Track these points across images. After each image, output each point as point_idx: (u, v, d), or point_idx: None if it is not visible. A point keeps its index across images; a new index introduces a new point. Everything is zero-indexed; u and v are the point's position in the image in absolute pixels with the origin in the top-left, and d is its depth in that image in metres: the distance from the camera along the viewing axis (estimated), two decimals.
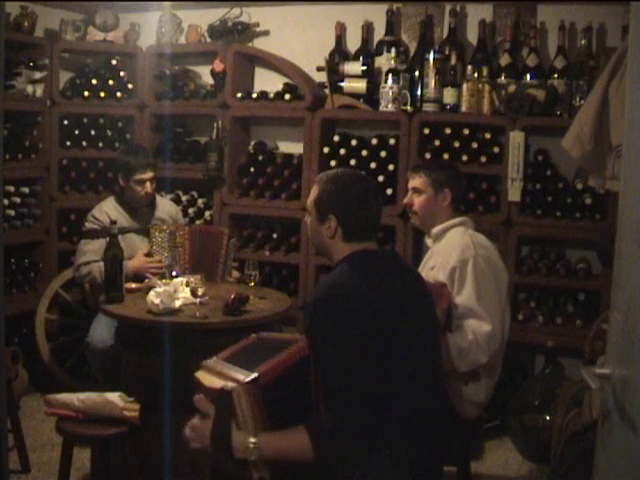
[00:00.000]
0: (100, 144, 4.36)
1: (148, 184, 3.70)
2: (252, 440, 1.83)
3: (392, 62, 3.91)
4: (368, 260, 2.06)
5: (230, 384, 1.84)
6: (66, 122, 4.35)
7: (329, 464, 1.86)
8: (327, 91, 4.10)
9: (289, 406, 1.94)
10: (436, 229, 2.89)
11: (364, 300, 1.91)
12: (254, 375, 1.84)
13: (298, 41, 4.32)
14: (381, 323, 1.90)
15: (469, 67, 3.81)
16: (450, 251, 2.77)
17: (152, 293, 2.99)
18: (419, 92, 3.96)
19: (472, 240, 2.78)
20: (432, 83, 3.86)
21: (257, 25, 4.36)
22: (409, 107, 3.91)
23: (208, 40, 4.38)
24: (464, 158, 3.79)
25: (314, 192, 2.14)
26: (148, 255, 3.63)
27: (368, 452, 1.86)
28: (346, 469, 1.88)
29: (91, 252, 3.61)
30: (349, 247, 2.08)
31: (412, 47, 4.12)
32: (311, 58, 4.20)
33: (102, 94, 4.33)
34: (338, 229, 2.07)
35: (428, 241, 2.97)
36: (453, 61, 3.86)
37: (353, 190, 2.08)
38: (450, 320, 2.64)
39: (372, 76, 4.04)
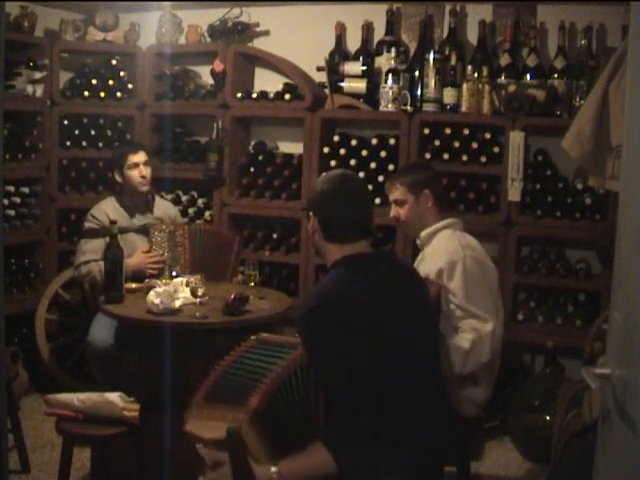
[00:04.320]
0: (100, 144, 4.36)
1: (142, 167, 3.70)
2: (273, 470, 1.82)
3: (392, 62, 3.91)
4: (360, 264, 2.04)
5: (233, 425, 1.81)
6: (66, 122, 4.35)
7: (350, 470, 1.85)
8: (327, 91, 4.10)
9: (288, 419, 1.92)
10: (424, 233, 2.87)
11: (356, 307, 1.90)
12: (252, 407, 1.82)
13: (298, 41, 4.31)
14: (375, 328, 1.90)
15: (469, 67, 3.81)
16: (439, 256, 2.76)
17: (152, 293, 2.99)
18: (419, 92, 3.96)
19: (460, 242, 2.78)
20: (432, 83, 3.86)
21: (257, 25, 4.36)
22: (409, 107, 3.91)
23: (208, 40, 4.37)
24: (464, 158, 3.79)
25: None
26: (148, 253, 3.63)
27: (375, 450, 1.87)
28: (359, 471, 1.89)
29: (91, 251, 3.61)
30: (338, 250, 2.07)
31: (412, 47, 4.12)
32: (311, 58, 4.19)
33: (102, 94, 4.33)
34: (318, 228, 2.08)
35: (418, 243, 2.97)
36: (453, 61, 3.86)
37: (333, 190, 2.08)
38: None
39: (372, 76, 4.04)
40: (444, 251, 2.76)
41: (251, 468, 1.83)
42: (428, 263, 2.80)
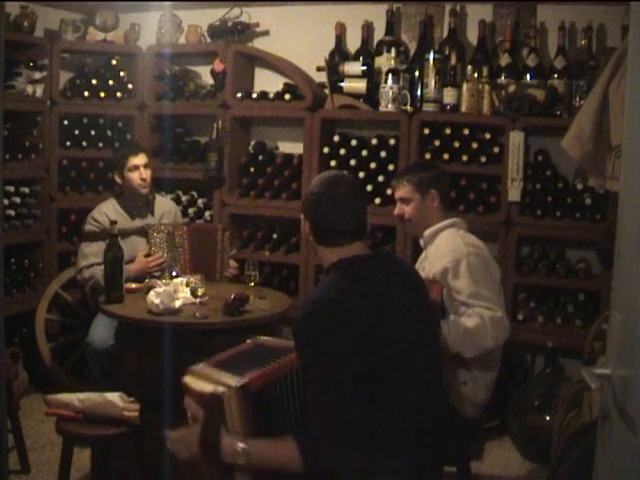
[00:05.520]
0: (100, 144, 4.36)
1: (142, 170, 3.69)
2: (241, 445, 1.83)
3: (392, 62, 3.92)
4: (357, 268, 2.02)
5: (221, 388, 1.84)
6: (66, 122, 4.34)
7: (315, 475, 1.85)
8: (327, 91, 4.10)
9: (276, 416, 1.93)
10: (427, 232, 2.87)
11: (352, 313, 1.89)
12: (245, 380, 1.85)
13: (298, 41, 4.32)
14: (373, 333, 1.88)
15: (469, 67, 3.82)
16: (442, 255, 2.76)
17: (152, 293, 2.99)
18: (419, 92, 3.96)
19: (463, 241, 2.78)
20: (432, 83, 3.86)
21: (257, 25, 4.36)
22: (409, 107, 3.91)
23: (208, 40, 4.38)
24: (464, 158, 3.79)
25: None
26: (147, 256, 3.62)
27: (361, 462, 1.86)
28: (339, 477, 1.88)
29: (92, 255, 3.60)
30: (332, 252, 2.05)
31: (412, 47, 4.12)
32: (311, 58, 4.19)
33: (102, 94, 4.33)
34: (310, 231, 2.08)
35: (421, 243, 2.97)
36: (453, 61, 3.86)
37: (322, 193, 2.05)
38: (441, 314, 2.63)
39: (372, 76, 4.03)
40: (448, 250, 2.76)
41: (219, 435, 1.84)
42: (432, 262, 2.80)
